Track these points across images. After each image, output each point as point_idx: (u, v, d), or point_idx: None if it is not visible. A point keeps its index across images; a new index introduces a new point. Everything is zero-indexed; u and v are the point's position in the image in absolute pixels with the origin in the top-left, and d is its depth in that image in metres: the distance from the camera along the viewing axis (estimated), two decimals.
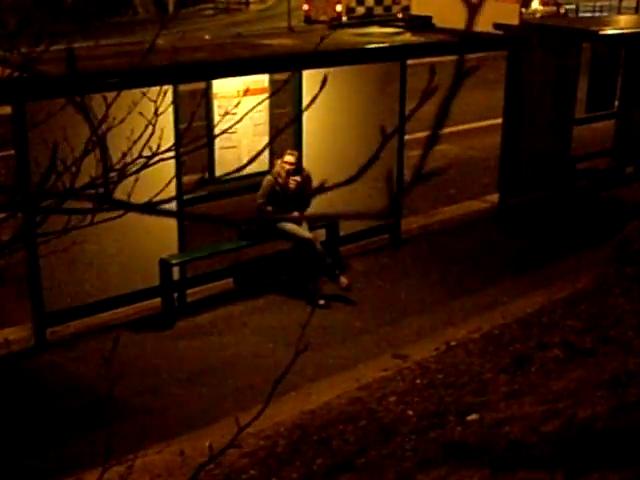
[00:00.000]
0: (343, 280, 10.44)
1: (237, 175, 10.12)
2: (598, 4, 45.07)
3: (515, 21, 13.18)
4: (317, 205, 9.83)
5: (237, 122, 4.62)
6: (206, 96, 10.07)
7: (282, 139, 11.07)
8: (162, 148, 3.34)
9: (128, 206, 2.10)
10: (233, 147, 10.39)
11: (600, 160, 15.74)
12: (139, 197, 2.72)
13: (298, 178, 10.40)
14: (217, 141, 10.13)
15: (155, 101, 3.80)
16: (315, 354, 8.82)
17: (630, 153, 15.77)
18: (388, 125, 2.02)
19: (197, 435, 7.63)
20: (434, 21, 12.99)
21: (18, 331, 9.45)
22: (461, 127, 17.59)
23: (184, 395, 8.49)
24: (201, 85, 10.43)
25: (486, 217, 13.61)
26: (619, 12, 41.73)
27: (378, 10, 39.36)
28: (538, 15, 38.79)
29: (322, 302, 10.23)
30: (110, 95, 3.53)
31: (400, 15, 36.95)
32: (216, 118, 10.00)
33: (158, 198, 2.49)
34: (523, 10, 23.73)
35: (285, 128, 9.53)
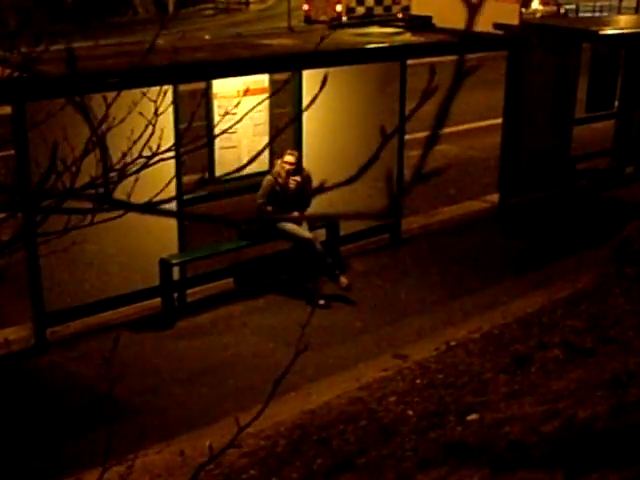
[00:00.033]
0: (343, 280, 10.44)
1: (237, 175, 10.16)
2: (598, 4, 45.05)
3: (515, 21, 13.18)
4: (317, 205, 9.83)
5: (237, 122, 4.62)
6: (206, 96, 10.07)
7: (282, 139, 11.07)
8: (162, 148, 3.34)
9: (128, 206, 2.10)
10: (233, 147, 10.39)
11: (600, 160, 15.75)
12: (139, 197, 2.72)
13: (298, 178, 10.40)
14: (217, 141, 10.13)
15: (155, 101, 3.80)
16: (315, 354, 8.82)
17: (630, 153, 15.77)
18: (388, 125, 2.02)
19: (197, 435, 7.63)
20: (434, 21, 12.98)
21: (18, 331, 9.46)
22: (461, 127, 17.59)
23: (184, 395, 8.49)
24: (201, 85, 10.43)
25: (486, 217, 13.62)
26: (619, 12, 41.71)
27: (378, 10, 39.36)
28: (538, 15, 38.77)
29: (322, 302, 10.23)
30: (110, 95, 3.53)
31: (400, 15, 36.94)
32: (216, 118, 10.00)
33: (158, 198, 2.49)
34: (523, 10, 23.72)
35: (285, 128, 9.54)
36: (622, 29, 15.49)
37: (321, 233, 11.00)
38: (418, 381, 8.02)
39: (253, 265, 10.89)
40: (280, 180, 10.38)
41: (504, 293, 10.74)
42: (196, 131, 4.04)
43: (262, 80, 10.50)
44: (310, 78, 10.53)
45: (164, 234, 9.99)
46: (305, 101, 10.66)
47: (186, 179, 9.97)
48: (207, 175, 10.21)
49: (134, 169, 3.05)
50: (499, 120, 14.24)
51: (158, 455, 7.13)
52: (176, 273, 10.12)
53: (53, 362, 8.98)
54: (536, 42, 13.57)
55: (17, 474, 7.22)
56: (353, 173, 1.97)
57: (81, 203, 2.39)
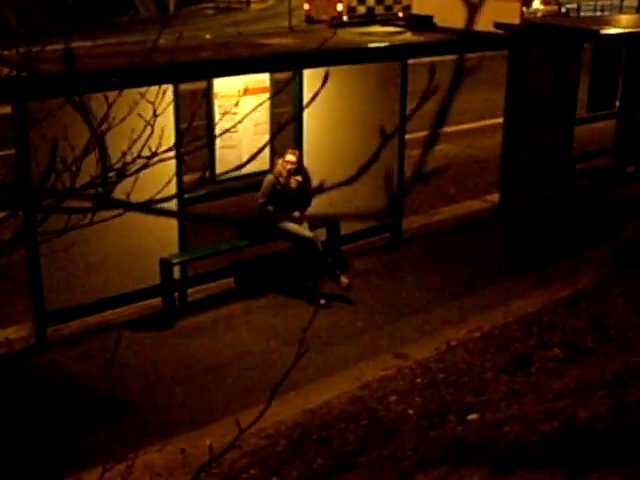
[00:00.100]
0: (343, 280, 10.44)
1: (237, 175, 10.17)
2: (599, 3, 45.03)
3: (516, 20, 13.20)
4: (317, 205, 9.84)
5: (239, 122, 4.62)
6: (207, 96, 10.08)
7: (283, 138, 11.07)
8: (163, 147, 3.34)
9: (128, 205, 2.10)
10: (234, 146, 10.39)
11: (601, 160, 15.75)
12: (140, 196, 2.72)
13: (299, 177, 10.40)
14: (218, 140, 10.14)
15: (153, 103, 3.80)
16: (316, 353, 8.82)
17: (631, 153, 15.77)
18: (388, 124, 2.03)
19: (198, 434, 7.64)
20: (435, 20, 12.99)
21: (19, 330, 9.46)
22: (461, 127, 17.59)
23: (185, 394, 8.49)
24: (202, 85, 10.43)
25: (487, 217, 13.62)
26: (620, 11, 41.69)
27: (379, 9, 39.37)
28: (539, 14, 38.77)
29: (323, 302, 10.23)
30: (111, 94, 3.54)
31: (401, 14, 36.95)
32: (217, 118, 10.00)
33: (158, 197, 2.49)
34: (524, 9, 23.74)
35: (285, 125, 9.51)
36: (623, 28, 15.49)
37: (322, 233, 11.00)
38: (418, 380, 8.02)
39: (254, 265, 10.89)
40: (281, 179, 10.38)
41: (504, 293, 10.74)
42: (197, 131, 4.04)
43: (263, 79, 10.51)
44: (311, 77, 10.53)
45: (165, 234, 9.99)
46: (306, 100, 10.65)
47: (187, 178, 9.98)
48: (207, 174, 10.21)
49: (134, 169, 3.05)
50: (499, 120, 14.24)
51: (159, 454, 7.13)
52: (177, 272, 10.13)
53: (54, 361, 8.98)
54: (537, 41, 13.57)
55: (18, 473, 7.22)
56: (353, 172, 1.97)
57: (81, 203, 2.39)
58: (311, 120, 11.05)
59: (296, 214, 10.43)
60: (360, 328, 9.90)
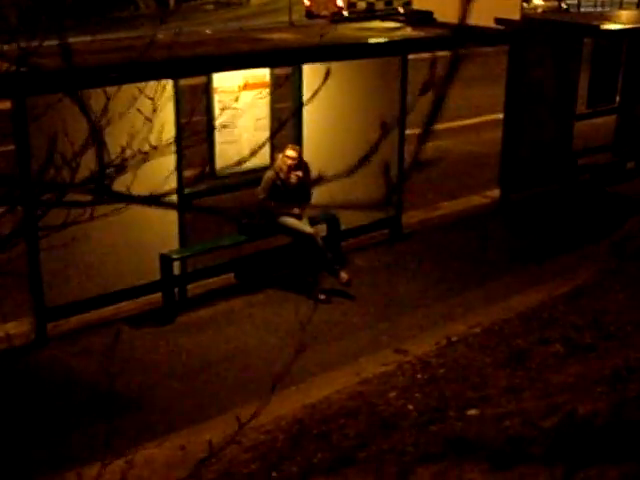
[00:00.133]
0: (343, 275, 10.44)
1: (238, 170, 10.16)
2: None
3: (516, 16, 13.18)
4: (318, 200, 9.83)
5: (236, 116, 4.61)
6: (206, 91, 10.07)
7: (283, 134, 11.06)
8: (163, 142, 3.34)
9: (127, 198, 2.10)
10: (234, 142, 10.38)
11: (601, 155, 15.74)
12: (140, 191, 2.71)
13: (300, 173, 10.40)
14: (218, 136, 10.13)
15: (152, 98, 3.80)
16: (315, 349, 8.83)
17: (631, 148, 15.76)
18: (389, 119, 2.03)
19: (198, 429, 7.64)
20: (435, 16, 12.97)
21: (19, 326, 9.45)
22: (461, 122, 17.58)
23: (185, 390, 8.49)
24: (203, 80, 10.42)
25: (487, 212, 13.61)
26: (621, 7, 41.63)
27: (379, 5, 39.33)
28: (539, 10, 38.69)
29: (323, 297, 10.23)
30: (110, 89, 3.53)
31: (401, 10, 36.90)
32: (217, 113, 9.99)
33: (159, 192, 2.49)
34: (524, 5, 23.72)
35: (286, 122, 9.51)
36: (623, 24, 15.48)
37: (322, 228, 11.00)
38: (418, 376, 8.02)
39: (253, 260, 10.89)
40: (282, 175, 10.38)
41: (504, 288, 10.74)
42: (197, 126, 4.05)
43: (263, 75, 10.50)
44: (311, 73, 10.52)
45: (165, 229, 9.99)
46: (306, 96, 10.65)
47: (187, 174, 9.97)
48: (207, 169, 10.21)
49: (134, 163, 3.05)
50: (499, 115, 14.23)
51: (158, 449, 7.14)
52: (177, 268, 10.13)
53: (53, 357, 8.99)
54: (537, 37, 13.55)
55: (18, 468, 7.22)
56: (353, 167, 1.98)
57: (81, 197, 2.39)
58: (311, 116, 11.04)
59: (296, 210, 10.43)
60: (360, 323, 9.90)
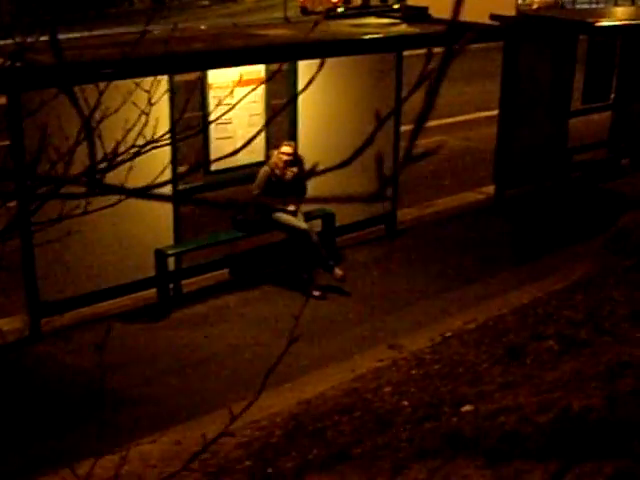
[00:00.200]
0: (338, 271, 10.44)
1: (232, 166, 10.16)
2: None
3: (512, 12, 13.17)
4: (313, 194, 9.84)
5: (228, 110, 4.60)
6: (201, 86, 10.06)
7: (278, 130, 11.06)
8: (157, 137, 3.33)
9: (120, 191, 2.09)
10: (229, 138, 10.37)
11: (596, 152, 15.76)
12: (135, 185, 2.71)
13: (295, 169, 10.40)
14: (213, 132, 10.13)
15: (148, 91, 3.79)
16: (310, 345, 8.83)
17: (626, 145, 15.77)
18: (384, 114, 2.02)
19: (193, 425, 7.64)
20: (430, 12, 12.96)
21: (13, 321, 9.44)
22: (456, 119, 17.59)
23: (179, 385, 8.49)
24: (198, 75, 10.40)
25: (482, 208, 13.61)
26: (616, 4, 41.70)
27: (374, 1, 39.32)
28: (535, 6, 38.72)
29: (317, 293, 10.23)
30: (104, 84, 3.53)
31: (396, 6, 36.89)
32: (212, 108, 9.98)
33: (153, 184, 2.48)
34: (520, 1, 23.74)
35: (281, 111, 9.49)
36: (618, 21, 15.47)
37: (317, 224, 11.00)
38: (413, 372, 8.03)
39: (248, 256, 10.89)
40: (277, 171, 10.38)
41: (499, 284, 10.75)
42: (192, 122, 4.04)
43: (258, 70, 10.48)
44: (306, 69, 10.51)
45: (160, 225, 9.98)
46: (301, 93, 10.63)
47: (182, 170, 9.97)
48: (202, 161, 10.20)
49: (128, 156, 3.04)
50: (495, 112, 14.23)
51: (153, 445, 7.13)
52: (171, 264, 10.12)
53: (47, 352, 8.97)
54: (532, 33, 13.55)
55: (10, 464, 7.21)
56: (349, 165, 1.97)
57: (76, 191, 2.39)
58: (306, 112, 11.04)
59: (291, 207, 10.44)
60: (355, 319, 9.91)
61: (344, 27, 12.39)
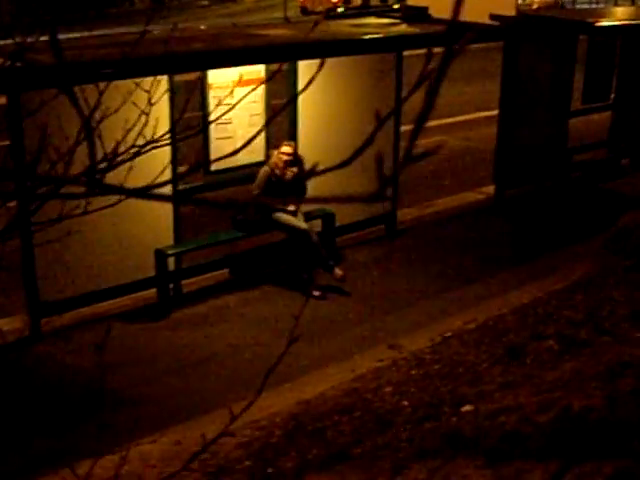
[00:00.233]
0: (338, 271, 10.44)
1: (232, 166, 10.16)
2: None
3: (511, 12, 13.17)
4: (313, 195, 9.84)
5: (228, 110, 4.60)
6: (201, 86, 10.06)
7: (278, 130, 11.06)
8: (157, 137, 3.33)
9: (120, 191, 2.09)
10: (229, 138, 10.37)
11: (596, 152, 15.76)
12: (135, 185, 2.71)
13: (295, 169, 10.40)
14: (213, 132, 10.13)
15: (148, 91, 3.79)
16: (310, 345, 8.83)
17: (626, 145, 15.77)
18: (384, 115, 2.02)
19: (192, 425, 7.63)
20: (430, 12, 12.96)
21: (13, 321, 9.44)
22: (457, 119, 17.58)
23: (179, 385, 8.49)
24: (198, 75, 10.40)
25: (482, 208, 13.61)
26: (616, 4, 41.69)
27: (374, 1, 39.32)
28: (535, 6, 38.73)
29: (317, 293, 10.23)
30: (104, 84, 3.52)
31: (396, 6, 36.89)
32: (212, 108, 9.98)
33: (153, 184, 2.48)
34: (520, 1, 23.74)
35: (281, 111, 9.48)
36: (618, 21, 15.47)
37: (317, 224, 11.00)
38: (413, 372, 8.03)
39: (248, 256, 10.89)
40: (277, 171, 10.37)
41: (499, 284, 10.75)
42: (193, 122, 4.04)
43: (258, 70, 10.48)
44: (306, 69, 10.51)
45: (159, 225, 9.98)
46: (301, 93, 10.63)
47: (182, 170, 9.97)
48: (202, 161, 10.19)
49: (128, 156, 3.04)
50: (495, 112, 14.23)
51: (153, 445, 7.13)
52: (171, 264, 10.12)
53: (47, 353, 8.97)
54: (532, 33, 13.55)
55: (10, 464, 7.21)
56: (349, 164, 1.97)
57: (76, 191, 2.39)
58: (306, 112, 11.04)
59: (291, 207, 10.44)
60: (355, 319, 9.90)
61: (344, 27, 12.39)
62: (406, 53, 11.98)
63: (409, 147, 1.63)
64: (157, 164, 4.28)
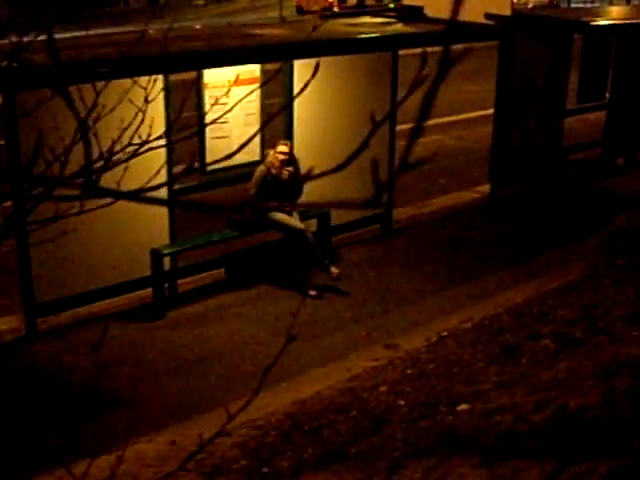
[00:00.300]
0: (334, 270, 10.44)
1: (228, 166, 10.14)
2: None
3: (507, 11, 13.17)
4: (309, 197, 9.84)
5: (227, 111, 4.60)
6: (197, 86, 10.05)
7: (273, 129, 11.05)
8: (152, 137, 3.33)
9: (115, 194, 2.09)
10: (224, 137, 10.37)
11: (591, 151, 15.78)
12: (130, 186, 2.71)
13: (291, 168, 10.39)
14: (208, 131, 10.11)
15: (145, 88, 3.79)
16: (306, 344, 8.83)
17: (621, 144, 15.79)
18: (379, 116, 2.02)
19: (189, 425, 7.63)
20: (426, 11, 12.96)
21: (9, 321, 9.44)
22: (452, 118, 17.59)
23: (175, 385, 8.48)
24: (194, 75, 10.40)
25: (477, 208, 13.62)
26: (611, 3, 41.75)
27: (370, 0, 39.33)
28: (530, 5, 38.79)
29: (314, 293, 10.23)
30: (99, 84, 3.52)
31: (392, 5, 36.89)
32: (207, 108, 9.97)
33: (148, 186, 2.48)
34: (515, 0, 23.72)
35: (276, 115, 9.46)
36: (613, 20, 15.49)
37: (312, 223, 11.00)
38: (409, 371, 8.03)
39: (244, 255, 10.89)
40: (274, 171, 10.37)
41: (495, 283, 10.76)
42: (188, 122, 4.03)
43: (253, 70, 10.48)
44: (302, 68, 10.51)
45: (155, 224, 9.97)
46: (296, 92, 10.63)
47: (177, 169, 9.95)
48: (197, 164, 10.18)
49: (124, 157, 3.04)
50: (490, 111, 14.24)
51: (149, 445, 7.13)
52: (167, 263, 10.11)
53: (44, 352, 8.96)
54: (528, 33, 13.56)
55: (6, 464, 7.21)
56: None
57: (70, 191, 2.39)
58: (302, 112, 11.03)
59: (287, 206, 10.43)
60: (350, 319, 9.91)
61: (339, 26, 12.39)
62: (402, 52, 11.98)
63: (405, 155, 1.63)
64: (153, 164, 4.26)
